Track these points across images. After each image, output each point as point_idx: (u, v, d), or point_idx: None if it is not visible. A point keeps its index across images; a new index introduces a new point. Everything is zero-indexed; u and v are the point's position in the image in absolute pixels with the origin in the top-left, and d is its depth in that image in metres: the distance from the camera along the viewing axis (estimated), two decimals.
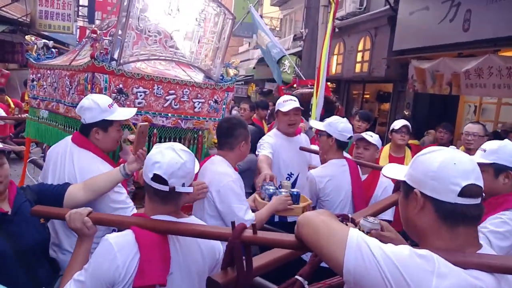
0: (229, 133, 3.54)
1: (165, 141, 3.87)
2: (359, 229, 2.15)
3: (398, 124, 5.79)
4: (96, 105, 3.07)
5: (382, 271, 1.43)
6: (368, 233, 2.00)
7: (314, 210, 1.79)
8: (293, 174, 4.78)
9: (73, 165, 3.08)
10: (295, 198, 3.70)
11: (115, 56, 3.56)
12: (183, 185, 2.20)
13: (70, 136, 3.30)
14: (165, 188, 2.15)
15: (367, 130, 6.40)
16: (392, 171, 1.88)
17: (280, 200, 3.57)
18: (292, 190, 3.82)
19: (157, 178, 2.14)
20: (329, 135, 4.11)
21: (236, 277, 1.91)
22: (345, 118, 4.30)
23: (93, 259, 2.09)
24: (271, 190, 3.72)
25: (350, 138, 4.12)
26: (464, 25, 8.36)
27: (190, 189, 2.28)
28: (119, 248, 2.06)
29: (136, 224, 2.15)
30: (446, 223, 1.55)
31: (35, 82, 4.50)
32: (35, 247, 2.59)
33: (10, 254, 2.43)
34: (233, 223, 1.96)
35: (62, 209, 2.44)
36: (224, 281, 1.89)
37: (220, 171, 3.41)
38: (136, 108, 3.51)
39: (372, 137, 4.41)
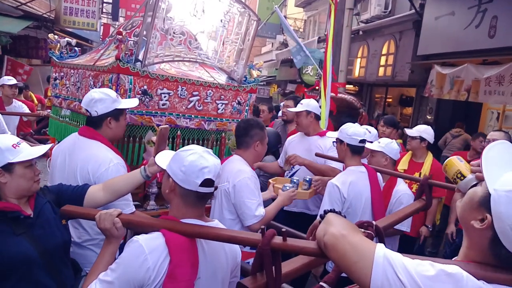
0: (245, 133, 3.76)
1: (188, 142, 3.90)
2: None
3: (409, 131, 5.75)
4: (108, 96, 3.24)
5: None
6: None
7: (338, 221, 1.73)
8: (293, 168, 5.16)
9: (85, 155, 3.15)
10: (309, 183, 4.53)
11: (140, 57, 3.57)
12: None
13: (73, 134, 3.41)
14: (212, 190, 2.22)
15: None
16: (491, 169, 1.53)
17: (286, 196, 3.98)
18: (306, 177, 4.55)
19: (207, 182, 2.17)
20: (341, 141, 4.10)
21: (265, 283, 1.91)
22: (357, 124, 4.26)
23: (122, 259, 2.08)
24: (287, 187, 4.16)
25: (362, 141, 4.04)
26: (490, 31, 8.24)
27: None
28: (150, 250, 2.06)
29: (167, 227, 2.15)
30: (496, 258, 1.47)
31: (57, 81, 4.52)
32: (59, 248, 2.59)
33: (36, 258, 2.43)
34: (262, 229, 1.95)
35: (92, 210, 2.46)
36: (254, 286, 1.88)
37: (237, 169, 3.64)
38: (137, 99, 3.55)
39: (380, 143, 4.42)
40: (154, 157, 2.86)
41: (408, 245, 5.30)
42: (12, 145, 2.44)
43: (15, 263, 2.36)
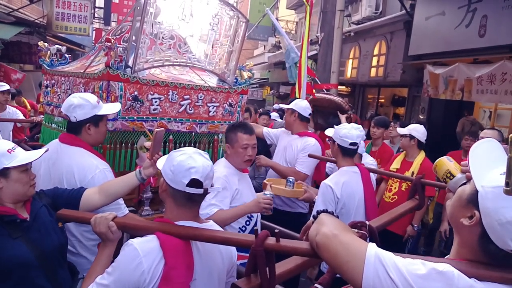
0: (225, 135, 3.79)
1: (180, 146, 3.88)
2: None
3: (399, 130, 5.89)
4: (87, 102, 3.19)
5: None
6: None
7: (330, 222, 1.73)
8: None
9: (69, 163, 3.12)
10: (291, 183, 4.48)
11: (130, 63, 3.57)
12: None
13: (55, 141, 3.36)
14: (200, 191, 2.19)
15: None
16: (478, 167, 1.54)
17: (255, 202, 3.61)
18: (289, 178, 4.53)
19: (194, 182, 2.16)
20: (334, 141, 4.12)
21: (259, 284, 1.91)
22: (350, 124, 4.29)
23: (118, 263, 2.09)
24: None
25: (353, 144, 4.01)
26: (480, 30, 8.28)
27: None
28: (144, 253, 2.07)
29: (162, 230, 2.16)
30: (486, 255, 1.48)
31: (49, 89, 4.50)
32: (55, 251, 2.60)
33: (32, 261, 2.44)
34: (256, 231, 1.95)
35: (87, 213, 2.47)
36: (248, 287, 1.89)
37: (216, 164, 3.60)
38: (119, 104, 3.52)
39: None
40: (150, 160, 2.87)
41: (397, 244, 5.34)
42: (7, 150, 2.45)
43: (12, 266, 2.37)
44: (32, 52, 14.03)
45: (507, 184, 1.30)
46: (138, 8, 3.51)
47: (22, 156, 2.49)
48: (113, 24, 19.29)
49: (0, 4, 12.32)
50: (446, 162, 2.09)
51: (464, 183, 1.63)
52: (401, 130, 5.72)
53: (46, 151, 2.72)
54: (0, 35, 11.10)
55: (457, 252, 1.60)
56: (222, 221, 3.54)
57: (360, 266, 1.48)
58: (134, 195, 3.92)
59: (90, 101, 3.20)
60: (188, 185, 2.16)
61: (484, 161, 1.54)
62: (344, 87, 16.21)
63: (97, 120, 3.25)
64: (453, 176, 1.99)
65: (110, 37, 3.84)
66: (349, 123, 6.14)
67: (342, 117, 6.39)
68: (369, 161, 5.38)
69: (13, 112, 7.81)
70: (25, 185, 2.51)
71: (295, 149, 5.19)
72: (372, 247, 1.52)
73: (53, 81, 4.45)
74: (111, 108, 3.35)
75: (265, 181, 4.70)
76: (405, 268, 1.43)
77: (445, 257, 1.64)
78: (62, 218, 2.47)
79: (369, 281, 1.45)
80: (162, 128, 3.26)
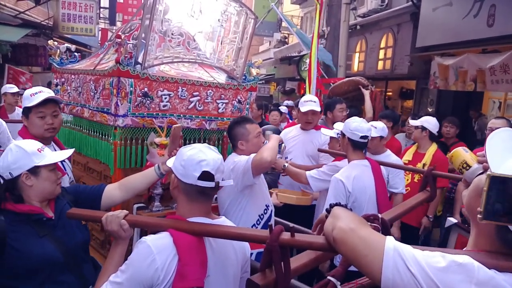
0: (230, 137, 3.78)
1: (190, 143, 3.88)
2: None
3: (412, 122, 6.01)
4: (24, 96, 3.42)
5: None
6: None
7: (345, 215, 1.73)
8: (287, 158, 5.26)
9: None
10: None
11: (140, 59, 3.59)
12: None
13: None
14: (212, 184, 2.20)
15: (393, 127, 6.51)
16: (495, 156, 1.52)
17: (275, 136, 3.76)
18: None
19: (205, 175, 2.18)
20: (344, 135, 4.12)
21: (274, 279, 1.90)
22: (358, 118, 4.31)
23: (131, 261, 2.10)
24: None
25: (364, 137, 4.02)
26: (489, 20, 8.20)
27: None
28: (158, 251, 2.08)
29: (174, 227, 2.16)
30: (504, 244, 1.47)
31: (59, 87, 4.54)
32: (80, 248, 2.66)
33: (59, 258, 2.49)
34: (270, 226, 1.95)
35: (98, 212, 2.48)
36: (263, 283, 1.87)
37: (226, 161, 3.54)
38: (40, 96, 3.51)
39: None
40: (169, 155, 2.90)
41: (411, 235, 5.34)
42: (37, 149, 2.54)
43: (40, 265, 2.43)
44: (39, 54, 14.10)
45: (480, 213, 1.34)
46: (147, 5, 3.52)
47: (50, 156, 2.60)
48: (118, 24, 19.37)
49: (6, 6, 12.36)
50: (462, 153, 2.09)
51: (481, 173, 1.63)
52: (414, 122, 5.80)
53: (73, 152, 2.82)
54: (8, 38, 11.15)
55: (475, 243, 1.59)
56: (271, 149, 3.47)
57: (379, 260, 1.48)
58: (145, 191, 3.94)
59: (24, 95, 3.40)
60: (200, 178, 2.17)
61: (501, 150, 1.53)
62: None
63: (26, 112, 3.41)
64: (469, 167, 1.99)
65: (120, 34, 3.85)
66: (371, 97, 6.24)
67: (366, 92, 6.42)
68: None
69: None
70: (53, 184, 2.59)
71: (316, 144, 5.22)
72: (390, 241, 1.52)
73: (63, 79, 4.50)
74: (36, 100, 3.39)
75: (272, 190, 4.71)
76: (424, 261, 1.43)
77: (463, 249, 1.63)
78: (72, 217, 2.50)
79: (388, 275, 1.45)
80: (179, 125, 3.27)
